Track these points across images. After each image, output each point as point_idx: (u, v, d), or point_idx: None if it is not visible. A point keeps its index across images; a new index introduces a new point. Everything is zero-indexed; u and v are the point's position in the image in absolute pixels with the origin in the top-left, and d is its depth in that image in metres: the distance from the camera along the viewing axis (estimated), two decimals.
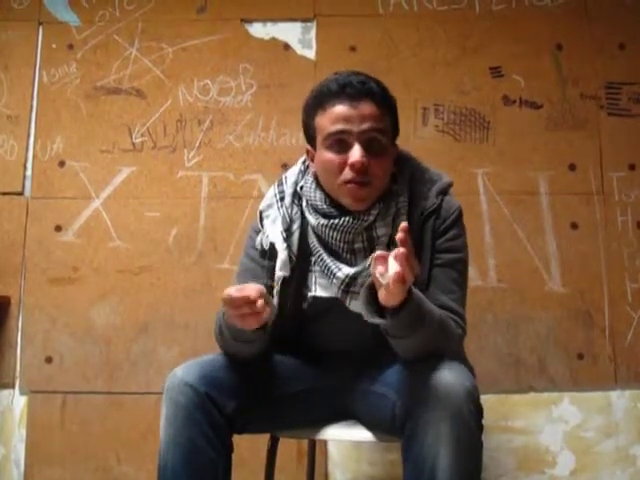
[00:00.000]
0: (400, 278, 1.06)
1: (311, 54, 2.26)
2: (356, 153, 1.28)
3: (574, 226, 2.14)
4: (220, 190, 2.19)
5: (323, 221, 1.35)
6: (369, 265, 1.26)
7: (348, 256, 1.35)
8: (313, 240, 1.38)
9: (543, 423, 2.05)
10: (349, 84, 1.30)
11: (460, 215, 1.41)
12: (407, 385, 1.19)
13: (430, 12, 2.26)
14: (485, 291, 2.10)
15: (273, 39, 2.27)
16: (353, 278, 1.32)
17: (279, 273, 1.38)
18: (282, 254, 1.38)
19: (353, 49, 2.25)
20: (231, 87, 2.25)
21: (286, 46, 2.26)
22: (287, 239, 1.39)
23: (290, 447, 1.98)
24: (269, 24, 2.28)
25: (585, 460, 2.03)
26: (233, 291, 1.15)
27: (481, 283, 2.10)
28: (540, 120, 2.20)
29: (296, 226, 1.40)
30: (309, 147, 1.41)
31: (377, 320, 1.16)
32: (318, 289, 1.38)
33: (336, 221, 1.33)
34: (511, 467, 2.03)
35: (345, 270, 1.33)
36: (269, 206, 1.44)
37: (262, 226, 1.44)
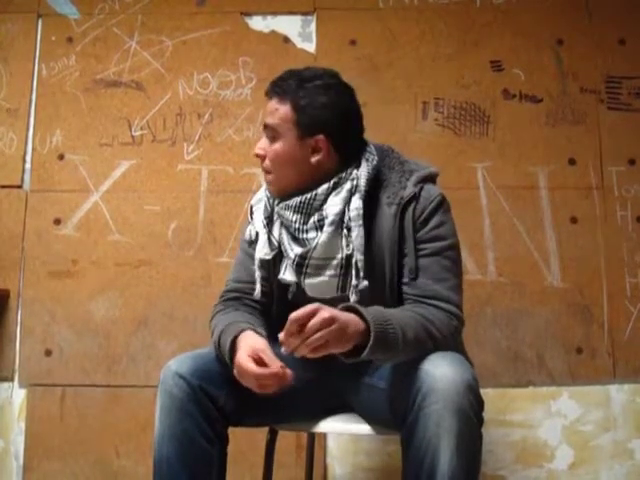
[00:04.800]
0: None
1: (311, 47, 2.25)
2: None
3: (573, 221, 2.14)
4: (219, 184, 2.19)
5: (281, 204, 1.39)
6: (316, 245, 1.33)
7: (303, 236, 1.38)
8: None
9: (542, 417, 2.05)
10: (274, 81, 1.39)
11: (441, 203, 1.37)
12: (407, 379, 1.19)
13: (430, 5, 2.26)
14: (484, 285, 2.10)
15: (273, 32, 2.26)
16: (302, 257, 1.35)
17: (257, 255, 1.43)
18: (262, 238, 1.43)
19: (353, 43, 2.24)
20: (231, 80, 2.24)
21: (286, 39, 2.26)
22: (268, 225, 1.43)
23: (289, 440, 1.98)
24: (269, 17, 2.27)
25: (583, 454, 2.03)
26: (253, 366, 1.21)
27: (480, 277, 2.10)
28: (540, 114, 2.19)
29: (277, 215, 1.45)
30: None
31: (351, 359, 1.18)
32: (287, 273, 1.41)
33: (288, 202, 1.38)
34: (509, 461, 2.03)
35: (296, 250, 1.37)
36: (259, 200, 1.48)
37: (251, 218, 1.48)
